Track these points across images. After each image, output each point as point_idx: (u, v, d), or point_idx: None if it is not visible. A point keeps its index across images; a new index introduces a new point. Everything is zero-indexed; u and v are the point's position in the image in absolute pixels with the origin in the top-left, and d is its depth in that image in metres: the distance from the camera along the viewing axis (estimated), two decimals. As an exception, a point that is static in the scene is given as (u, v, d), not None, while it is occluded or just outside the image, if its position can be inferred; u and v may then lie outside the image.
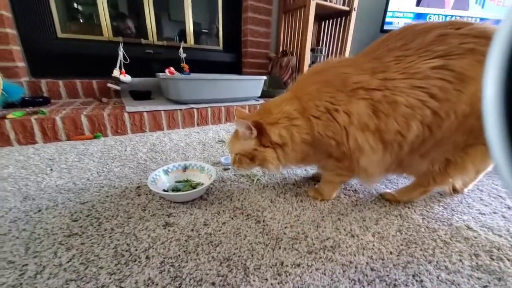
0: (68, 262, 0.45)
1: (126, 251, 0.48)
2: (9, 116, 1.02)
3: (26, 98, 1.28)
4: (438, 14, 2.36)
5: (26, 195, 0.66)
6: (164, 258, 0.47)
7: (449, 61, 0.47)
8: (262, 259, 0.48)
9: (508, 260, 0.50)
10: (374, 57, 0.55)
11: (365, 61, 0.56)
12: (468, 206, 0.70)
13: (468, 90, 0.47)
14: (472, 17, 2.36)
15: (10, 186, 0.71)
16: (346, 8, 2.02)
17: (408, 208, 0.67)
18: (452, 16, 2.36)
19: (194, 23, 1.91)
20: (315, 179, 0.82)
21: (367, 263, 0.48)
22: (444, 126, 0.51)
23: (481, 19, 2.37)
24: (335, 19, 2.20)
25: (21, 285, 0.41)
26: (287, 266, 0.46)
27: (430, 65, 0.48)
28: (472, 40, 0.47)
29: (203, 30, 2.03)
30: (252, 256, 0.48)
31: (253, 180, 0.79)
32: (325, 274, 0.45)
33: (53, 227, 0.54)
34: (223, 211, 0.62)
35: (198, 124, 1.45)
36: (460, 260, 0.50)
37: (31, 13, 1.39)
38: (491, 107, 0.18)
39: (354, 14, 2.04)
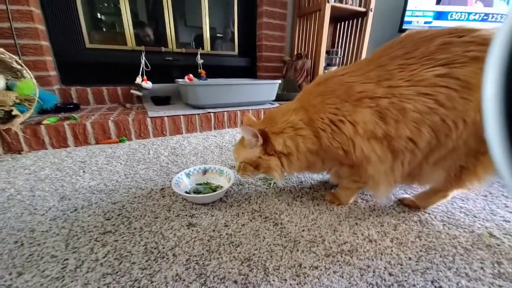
0: (104, 257, 0.50)
1: (155, 248, 0.52)
2: (44, 122, 1.11)
3: (59, 105, 1.38)
4: (461, 12, 2.27)
5: (63, 195, 0.72)
6: (189, 256, 0.50)
7: (453, 69, 0.47)
8: (281, 260, 0.50)
9: (534, 269, 0.49)
10: (378, 64, 0.55)
11: (369, 69, 0.56)
12: (492, 213, 0.68)
13: (475, 98, 0.47)
14: (497, 14, 2.25)
15: (48, 186, 0.78)
16: (362, 9, 2.00)
17: (429, 214, 0.67)
18: (476, 13, 2.27)
19: (210, 30, 1.97)
20: (331, 183, 0.83)
21: (385, 267, 0.49)
22: (453, 136, 0.50)
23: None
24: (351, 21, 2.18)
25: (64, 277, 0.46)
26: (305, 268, 0.48)
27: (435, 73, 0.48)
28: (476, 47, 0.47)
29: (219, 36, 2.09)
30: (271, 257, 0.50)
31: (270, 183, 0.82)
32: (342, 277, 0.46)
33: (89, 225, 0.59)
34: (242, 213, 0.65)
35: (215, 128, 1.49)
36: (482, 268, 0.49)
37: (62, 26, 1.51)
38: (491, 107, 0.18)
39: (371, 15, 2.02)
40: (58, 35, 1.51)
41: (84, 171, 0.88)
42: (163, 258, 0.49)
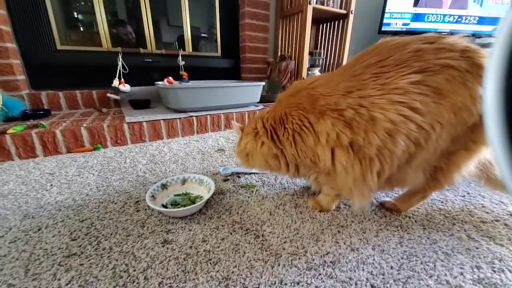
0: (67, 284, 0.45)
1: (125, 271, 0.48)
2: (10, 131, 1.03)
3: (27, 111, 1.29)
4: (436, 14, 2.35)
5: (26, 213, 0.66)
6: (162, 278, 0.46)
7: (426, 77, 0.48)
8: (261, 277, 0.47)
9: (510, 271, 0.50)
10: (352, 74, 0.55)
11: (341, 80, 0.56)
12: (470, 214, 0.69)
13: (446, 101, 0.48)
14: (470, 16, 2.35)
15: (10, 203, 0.71)
16: (343, 11, 2.02)
17: (409, 218, 0.67)
18: (450, 15, 2.35)
19: (192, 31, 1.92)
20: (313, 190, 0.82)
21: (367, 279, 0.48)
22: (432, 138, 0.50)
23: (480, 17, 2.36)
24: (332, 22, 2.20)
25: (20, 309, 0.41)
26: (286, 284, 0.46)
27: (409, 80, 0.48)
28: (446, 54, 0.48)
29: (201, 37, 2.04)
30: (251, 274, 0.48)
31: (252, 191, 0.79)
32: (324, 292, 0.44)
33: (53, 247, 0.54)
34: (222, 225, 0.62)
35: (197, 132, 1.45)
36: (462, 273, 0.49)
37: (30, 27, 1.41)
38: (491, 108, 0.18)
39: (351, 17, 2.04)
40: (26, 37, 1.41)
41: (51, 185, 0.82)
42: (133, 282, 0.45)
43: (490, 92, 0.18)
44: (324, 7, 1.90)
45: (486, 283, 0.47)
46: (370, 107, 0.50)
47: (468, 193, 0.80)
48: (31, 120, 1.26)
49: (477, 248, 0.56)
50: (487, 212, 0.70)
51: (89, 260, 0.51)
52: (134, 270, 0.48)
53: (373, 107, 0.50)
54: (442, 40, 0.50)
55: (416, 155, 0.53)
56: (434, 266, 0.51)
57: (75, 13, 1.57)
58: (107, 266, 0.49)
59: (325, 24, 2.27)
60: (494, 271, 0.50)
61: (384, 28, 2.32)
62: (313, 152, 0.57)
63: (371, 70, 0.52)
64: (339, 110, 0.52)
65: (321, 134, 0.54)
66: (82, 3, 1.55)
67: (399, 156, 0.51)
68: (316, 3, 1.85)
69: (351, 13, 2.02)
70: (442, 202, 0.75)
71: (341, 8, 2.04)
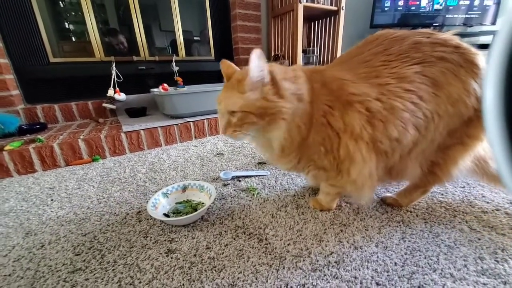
0: (73, 301, 0.45)
1: (130, 284, 0.48)
2: (7, 147, 1.03)
3: (24, 126, 1.28)
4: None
5: (28, 231, 0.66)
6: (168, 289, 0.47)
7: (424, 68, 0.51)
8: (267, 281, 0.47)
9: (513, 261, 0.50)
10: (362, 60, 0.56)
11: (356, 66, 0.56)
12: (470, 205, 0.70)
13: (442, 93, 0.50)
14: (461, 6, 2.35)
15: (12, 221, 0.71)
16: (334, 8, 2.02)
17: (410, 212, 0.67)
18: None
19: (184, 35, 1.91)
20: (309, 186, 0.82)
21: (372, 277, 0.48)
22: (431, 127, 0.53)
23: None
24: (324, 19, 2.20)
25: (28, 328, 0.41)
26: (292, 287, 0.46)
27: (413, 70, 0.51)
28: (441, 48, 0.51)
29: (194, 41, 2.04)
30: (256, 279, 0.48)
31: (253, 194, 0.79)
32: (330, 293, 0.45)
33: (57, 263, 0.54)
34: (225, 231, 0.62)
35: (195, 137, 1.45)
36: (465, 266, 0.50)
37: (22, 41, 1.40)
38: (491, 109, 0.19)
39: (342, 13, 2.05)
40: (18, 52, 1.40)
41: (52, 199, 0.81)
42: (139, 295, 0.46)
43: (490, 94, 0.19)
44: (315, 5, 1.90)
45: (489, 273, 0.48)
46: (389, 95, 0.51)
47: (468, 184, 0.81)
48: (28, 135, 1.25)
49: (479, 239, 0.57)
50: (487, 202, 0.71)
51: (94, 274, 0.51)
52: (140, 282, 0.48)
53: (391, 95, 0.51)
54: (436, 35, 0.52)
55: (417, 143, 0.55)
56: (438, 259, 0.51)
57: (66, 25, 1.56)
58: (113, 280, 0.49)
59: (317, 22, 2.27)
60: (497, 261, 0.50)
61: (375, 22, 2.32)
62: (333, 138, 0.54)
63: (379, 58, 0.54)
64: (368, 102, 0.51)
65: (347, 125, 0.52)
66: (73, 13, 1.55)
67: (405, 145, 0.53)
68: (307, 1, 1.85)
69: (342, 9, 2.02)
70: (442, 194, 0.76)
71: (331, 4, 2.04)
